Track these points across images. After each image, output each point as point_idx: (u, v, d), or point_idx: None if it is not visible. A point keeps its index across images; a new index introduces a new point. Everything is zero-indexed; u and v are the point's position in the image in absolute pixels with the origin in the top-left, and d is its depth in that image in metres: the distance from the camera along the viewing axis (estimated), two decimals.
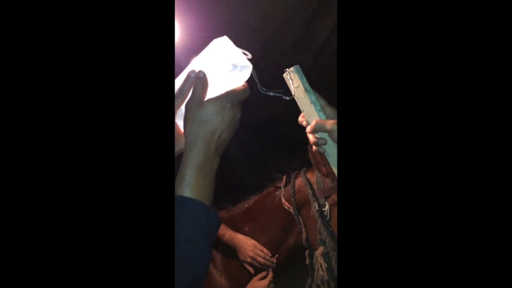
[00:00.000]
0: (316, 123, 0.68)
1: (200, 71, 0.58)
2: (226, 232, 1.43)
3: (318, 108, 0.68)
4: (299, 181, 1.34)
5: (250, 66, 0.61)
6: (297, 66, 0.70)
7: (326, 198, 1.20)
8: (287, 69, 0.71)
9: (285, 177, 1.44)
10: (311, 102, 0.68)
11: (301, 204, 1.32)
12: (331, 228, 1.17)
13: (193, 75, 0.58)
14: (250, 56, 0.61)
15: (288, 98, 0.67)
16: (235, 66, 0.60)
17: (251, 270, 1.42)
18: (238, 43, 0.63)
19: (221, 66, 0.59)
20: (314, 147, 0.71)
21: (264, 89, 0.63)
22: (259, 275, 1.41)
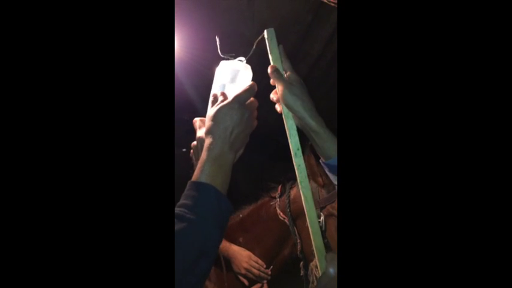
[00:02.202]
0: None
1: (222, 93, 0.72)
2: None
3: (279, 64, 0.73)
4: (294, 191, 1.34)
5: (248, 67, 0.73)
6: (271, 29, 0.74)
7: (321, 209, 1.20)
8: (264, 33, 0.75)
9: (280, 187, 1.44)
10: (273, 60, 0.73)
11: (296, 215, 1.32)
12: (326, 240, 1.17)
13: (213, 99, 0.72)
14: (244, 60, 0.74)
15: (243, 60, 0.75)
16: (236, 74, 0.73)
17: (245, 281, 1.40)
18: (235, 54, 0.75)
19: (227, 81, 0.73)
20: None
21: (223, 55, 0.74)
22: (254, 287, 1.39)
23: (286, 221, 1.34)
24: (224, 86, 0.73)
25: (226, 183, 0.62)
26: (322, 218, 1.18)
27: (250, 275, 1.38)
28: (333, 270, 0.60)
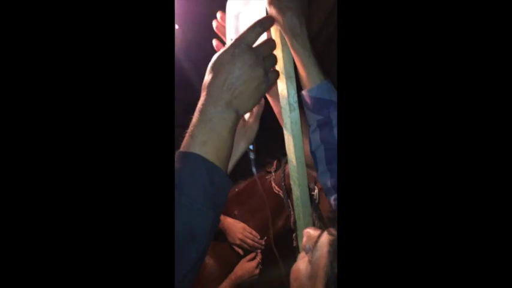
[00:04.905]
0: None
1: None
2: None
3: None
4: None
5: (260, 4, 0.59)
6: None
7: (315, 182, 1.24)
8: None
9: (275, 162, 1.47)
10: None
11: (290, 189, 1.35)
12: (319, 211, 1.21)
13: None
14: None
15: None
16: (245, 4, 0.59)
17: (240, 251, 1.46)
18: None
19: (236, 17, 0.60)
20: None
21: None
22: (248, 257, 1.45)
23: (280, 194, 1.38)
24: (237, 27, 0.58)
25: (223, 150, 0.49)
26: (316, 191, 1.22)
27: (245, 246, 1.43)
28: (308, 247, 0.50)
